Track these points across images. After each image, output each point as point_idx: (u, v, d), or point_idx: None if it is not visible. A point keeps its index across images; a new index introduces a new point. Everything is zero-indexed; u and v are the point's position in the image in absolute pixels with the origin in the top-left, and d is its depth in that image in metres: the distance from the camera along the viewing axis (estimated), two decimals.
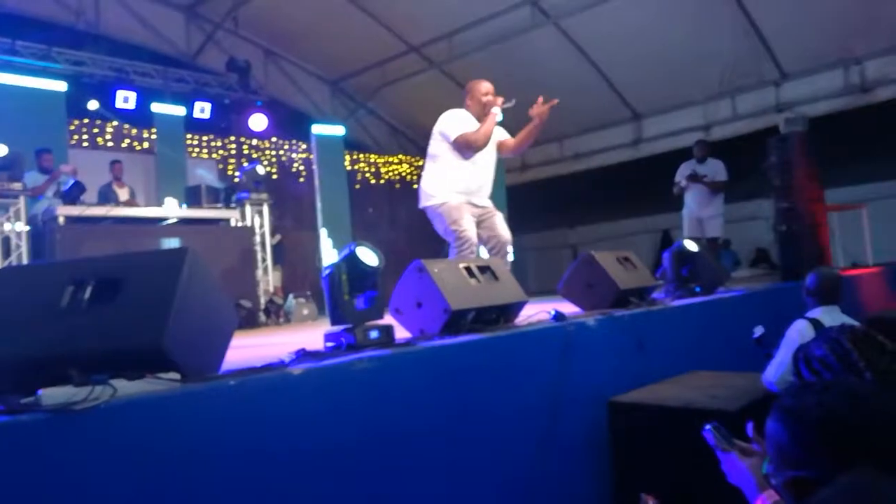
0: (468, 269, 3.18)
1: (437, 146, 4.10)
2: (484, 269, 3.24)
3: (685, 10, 8.51)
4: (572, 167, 11.09)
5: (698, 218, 7.10)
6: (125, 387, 1.86)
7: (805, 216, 6.07)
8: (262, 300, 6.72)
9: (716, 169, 7.16)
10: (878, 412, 1.07)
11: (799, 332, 2.87)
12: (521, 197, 10.27)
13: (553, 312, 3.24)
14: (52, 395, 1.84)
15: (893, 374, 1.37)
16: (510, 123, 4.31)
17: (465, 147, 4.01)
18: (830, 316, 2.97)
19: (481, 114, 4.09)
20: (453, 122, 4.05)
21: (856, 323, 2.48)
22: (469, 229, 3.96)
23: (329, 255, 8.75)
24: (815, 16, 8.04)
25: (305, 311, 7.00)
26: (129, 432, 1.77)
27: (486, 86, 4.16)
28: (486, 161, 4.17)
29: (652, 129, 10.47)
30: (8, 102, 7.38)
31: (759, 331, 3.13)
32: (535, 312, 3.32)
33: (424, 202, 4.11)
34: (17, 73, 7.64)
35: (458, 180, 4.05)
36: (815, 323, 2.87)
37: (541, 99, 4.12)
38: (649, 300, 3.88)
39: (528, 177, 11.23)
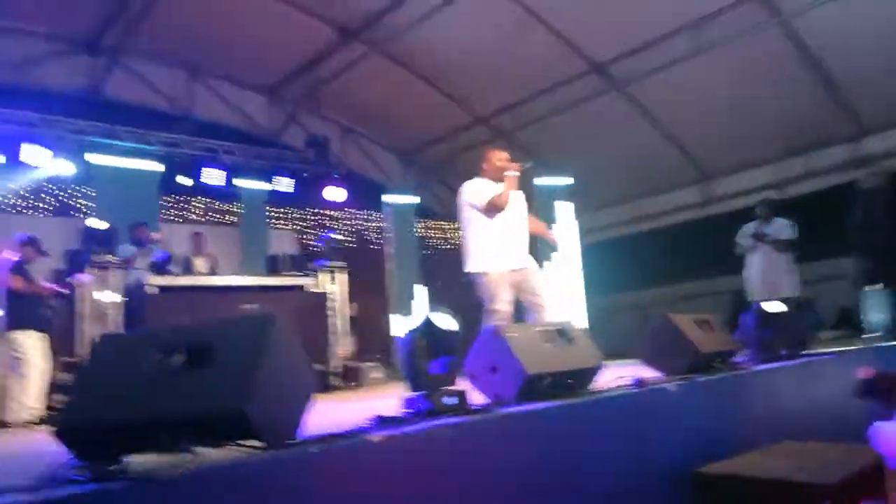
0: (543, 332, 3.16)
1: (469, 215, 4.48)
2: (559, 332, 3.21)
3: (755, 68, 8.44)
4: (640, 228, 10.96)
5: (769, 280, 6.81)
6: (208, 454, 1.92)
7: (892, 275, 5.76)
8: (335, 364, 6.83)
9: (781, 228, 6.92)
10: None
11: None
12: (591, 258, 10.20)
13: (632, 378, 3.16)
14: (137, 462, 1.91)
15: None
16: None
17: (493, 210, 4.38)
18: None
19: (497, 177, 4.50)
20: (477, 191, 4.47)
21: None
22: (504, 306, 4.32)
23: (398, 321, 8.85)
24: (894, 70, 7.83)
25: (377, 375, 7.09)
26: (212, 501, 1.81)
27: (501, 153, 4.60)
28: (516, 220, 4.51)
29: (722, 188, 10.27)
30: (107, 182, 7.99)
31: (863, 373, 2.90)
32: (614, 378, 3.25)
33: (468, 267, 4.48)
34: (116, 154, 8.28)
35: (495, 244, 4.40)
36: None
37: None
38: (731, 364, 3.73)
39: (595, 238, 11.16)
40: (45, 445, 2.25)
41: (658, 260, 10.30)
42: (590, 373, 3.20)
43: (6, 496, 1.62)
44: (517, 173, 4.45)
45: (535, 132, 10.52)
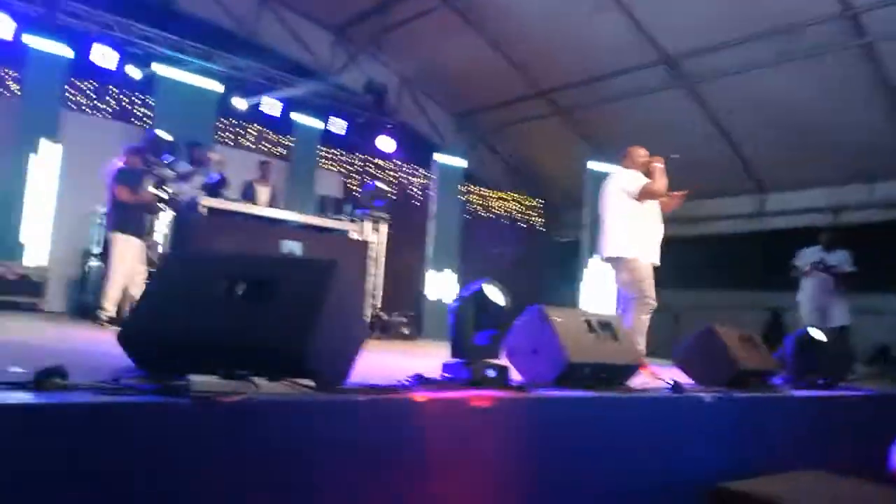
0: (588, 322, 3.16)
1: (620, 202, 4.61)
2: (605, 325, 3.21)
3: (827, 85, 8.19)
4: (685, 231, 10.78)
5: (820, 307, 6.77)
6: (264, 385, 1.98)
7: None
8: (369, 313, 6.91)
9: (842, 259, 6.86)
10: None
11: None
12: None
13: (670, 382, 3.16)
14: (200, 382, 1.97)
15: None
16: None
17: (649, 197, 4.59)
18: None
19: (642, 171, 4.68)
20: (632, 179, 4.62)
21: None
22: (652, 290, 4.55)
23: (433, 279, 8.89)
24: None
25: (406, 330, 7.18)
26: (265, 429, 1.87)
27: (643, 150, 4.78)
28: (657, 218, 4.73)
29: (776, 203, 10.09)
30: (168, 94, 8.05)
31: None
32: (651, 378, 3.25)
33: (614, 253, 4.59)
34: (181, 68, 8.32)
35: (645, 237, 4.60)
36: None
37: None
38: (769, 385, 3.71)
39: None
40: (111, 347, 2.32)
41: (697, 265, 10.16)
42: (628, 370, 3.21)
43: (74, 393, 1.68)
44: (662, 165, 4.64)
45: (594, 115, 10.36)
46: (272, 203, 7.19)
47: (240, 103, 8.91)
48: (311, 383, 2.12)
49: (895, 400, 4.40)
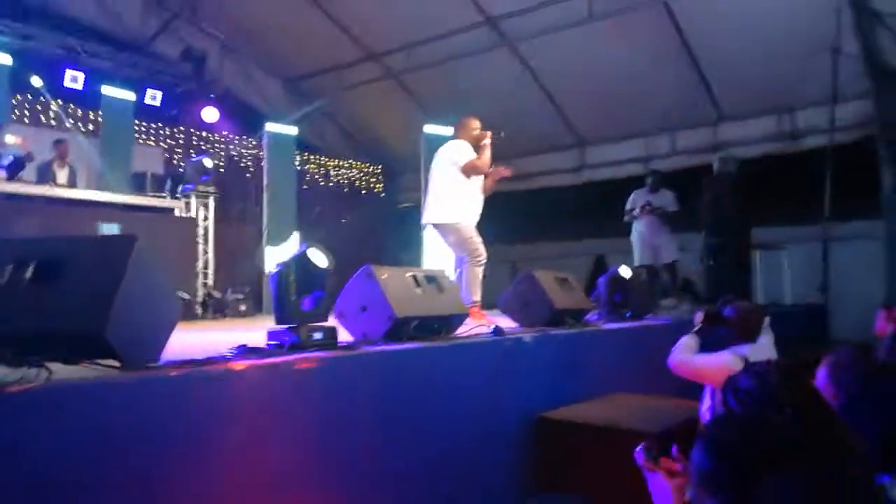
0: (415, 277, 3.26)
1: (447, 172, 4.77)
2: (430, 279, 3.32)
3: (635, 46, 8.83)
4: (515, 187, 11.27)
5: (652, 245, 7.30)
6: (61, 370, 1.86)
7: (732, 253, 6.42)
8: (200, 293, 6.60)
9: (668, 199, 7.41)
10: (785, 439, 1.16)
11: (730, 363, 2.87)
12: None
13: (492, 327, 3.34)
14: None
15: (811, 408, 1.45)
16: None
17: (473, 172, 4.75)
18: (757, 354, 2.85)
19: (471, 142, 4.85)
20: (461, 152, 4.77)
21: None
22: (481, 244, 4.74)
23: (271, 253, 8.65)
24: (754, 62, 8.48)
25: (243, 307, 6.93)
26: (63, 416, 1.77)
27: (476, 122, 4.96)
28: (479, 188, 4.91)
29: (595, 156, 10.78)
30: None
31: (698, 317, 3.34)
32: (475, 326, 3.42)
33: (438, 219, 4.76)
34: None
35: (467, 202, 4.78)
36: (745, 361, 2.89)
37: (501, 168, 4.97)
38: (583, 321, 4.04)
39: None
40: None
41: (530, 219, 10.70)
42: (455, 319, 3.36)
43: None
44: (489, 140, 4.82)
45: (423, 77, 10.46)
46: (71, 184, 6.59)
47: (35, 78, 8.03)
48: (116, 363, 2.02)
49: (689, 324, 4.98)
